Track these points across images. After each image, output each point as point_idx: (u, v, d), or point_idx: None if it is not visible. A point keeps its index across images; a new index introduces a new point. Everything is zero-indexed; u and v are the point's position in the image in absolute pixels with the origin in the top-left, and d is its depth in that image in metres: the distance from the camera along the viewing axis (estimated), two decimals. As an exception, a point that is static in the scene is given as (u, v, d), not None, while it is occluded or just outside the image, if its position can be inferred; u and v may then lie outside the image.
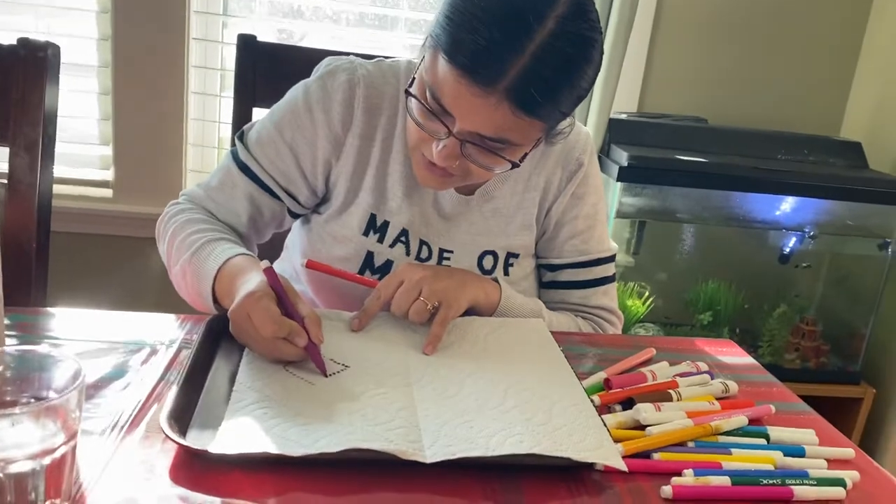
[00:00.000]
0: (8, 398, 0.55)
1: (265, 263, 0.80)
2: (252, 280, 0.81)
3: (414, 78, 0.89)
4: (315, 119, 1.00)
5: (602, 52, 0.86)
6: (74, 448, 0.53)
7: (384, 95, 1.01)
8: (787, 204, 1.95)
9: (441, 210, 1.04)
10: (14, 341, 0.77)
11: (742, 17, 2.09)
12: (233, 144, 1.04)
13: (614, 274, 1.12)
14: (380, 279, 0.95)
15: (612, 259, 1.11)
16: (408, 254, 1.04)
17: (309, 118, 1.00)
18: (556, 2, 0.80)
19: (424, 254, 1.04)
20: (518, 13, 0.79)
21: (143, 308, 0.93)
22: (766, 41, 2.12)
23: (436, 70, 0.84)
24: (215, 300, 0.87)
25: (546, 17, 0.79)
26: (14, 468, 0.50)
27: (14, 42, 1.01)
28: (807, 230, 1.99)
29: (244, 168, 1.01)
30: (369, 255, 1.03)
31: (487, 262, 1.05)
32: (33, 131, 0.97)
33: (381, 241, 1.03)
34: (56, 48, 1.03)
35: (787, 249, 2.04)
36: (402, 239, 1.03)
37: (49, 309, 0.88)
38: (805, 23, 2.11)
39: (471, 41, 0.80)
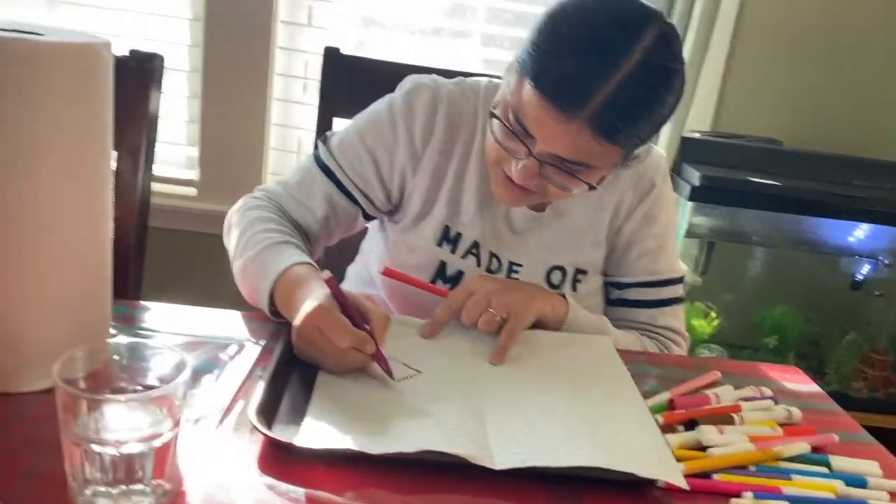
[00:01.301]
0: (122, 384, 0.61)
1: (326, 273, 0.82)
2: (315, 292, 0.82)
3: (498, 100, 0.93)
4: (397, 131, 1.04)
5: (684, 83, 0.88)
6: (177, 434, 0.59)
7: (464, 114, 1.05)
8: (861, 230, 1.92)
9: (512, 225, 1.07)
10: (114, 332, 0.84)
11: (823, 38, 2.05)
12: (315, 148, 1.10)
13: (682, 296, 1.13)
14: (451, 289, 0.98)
15: (680, 280, 1.12)
16: (478, 265, 1.07)
17: (391, 129, 1.05)
18: (643, 35, 0.83)
19: (494, 266, 1.08)
20: (605, 45, 0.82)
21: (222, 303, 0.98)
22: (846, 63, 2.08)
23: (521, 94, 0.87)
24: (271, 302, 0.89)
25: (632, 50, 0.82)
26: (126, 449, 0.55)
27: (126, 53, 1.09)
28: (881, 258, 1.95)
29: (325, 169, 1.06)
30: (441, 265, 1.07)
31: (555, 276, 1.08)
32: (138, 137, 1.05)
33: (453, 251, 1.07)
34: (161, 59, 1.11)
35: (860, 276, 2.00)
36: (474, 251, 1.07)
37: (145, 303, 0.95)
38: (887, 45, 2.07)
39: (557, 69, 0.83)
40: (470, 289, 0.94)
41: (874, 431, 0.87)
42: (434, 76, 1.08)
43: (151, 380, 0.62)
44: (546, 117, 0.85)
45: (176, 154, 2.15)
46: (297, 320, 0.81)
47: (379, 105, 1.07)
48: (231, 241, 1.02)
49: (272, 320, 0.91)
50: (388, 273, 1.00)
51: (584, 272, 1.08)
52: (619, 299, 1.12)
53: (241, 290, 0.98)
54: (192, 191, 2.13)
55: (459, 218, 1.07)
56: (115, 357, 0.61)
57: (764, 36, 2.04)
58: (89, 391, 0.58)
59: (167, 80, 2.09)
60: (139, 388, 0.61)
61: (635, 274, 1.10)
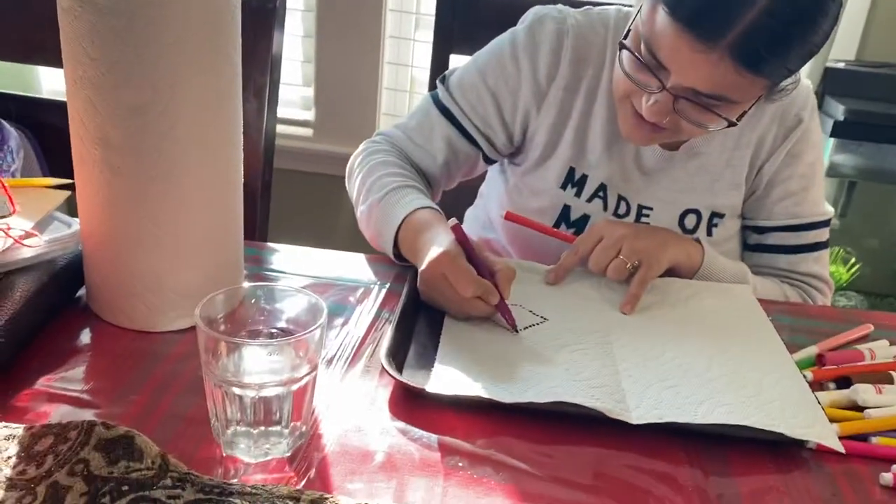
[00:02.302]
0: (258, 327, 0.61)
1: (453, 221, 0.81)
2: (440, 237, 0.81)
3: (629, 30, 0.87)
4: (521, 67, 1.00)
5: (840, 3, 0.79)
6: (315, 378, 0.59)
7: (592, 46, 0.99)
8: None
9: (642, 166, 1.01)
10: (245, 273, 0.85)
11: None
12: (433, 88, 1.06)
13: (827, 240, 1.05)
14: (576, 234, 0.95)
15: (826, 224, 1.04)
16: (605, 209, 1.02)
17: (514, 66, 1.00)
18: None
19: (622, 210, 1.02)
20: None
21: (339, 244, 0.98)
22: None
23: (654, 22, 0.81)
24: (395, 246, 0.89)
25: None
26: (266, 392, 0.56)
27: (246, -7, 1.08)
28: None
29: (444, 111, 1.02)
30: (566, 209, 1.03)
31: (690, 220, 1.02)
32: (262, 77, 1.05)
33: (578, 195, 1.02)
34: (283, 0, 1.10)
35: None
36: (601, 194, 1.02)
37: (272, 244, 0.96)
38: None
39: None
40: (598, 234, 0.90)
41: None
42: (560, 6, 1.02)
43: (286, 322, 0.62)
44: (682, 47, 0.79)
45: (291, 94, 2.18)
46: (422, 265, 0.80)
47: (501, 40, 1.02)
48: (354, 186, 1.01)
49: (396, 263, 0.90)
50: (509, 217, 0.97)
51: (720, 215, 1.02)
52: (758, 244, 1.05)
53: (364, 234, 0.97)
54: (308, 131, 2.16)
55: (585, 159, 1.02)
56: (252, 300, 0.62)
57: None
58: (228, 333, 0.59)
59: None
60: (275, 330, 0.62)
61: (777, 217, 1.03)
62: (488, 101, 1.01)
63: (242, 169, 0.76)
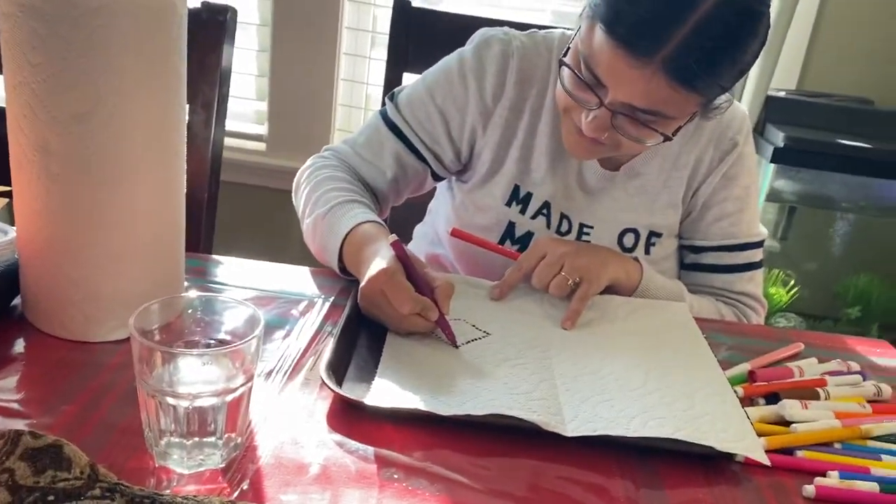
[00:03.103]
0: (195, 337, 0.61)
1: (393, 237, 0.81)
2: (381, 252, 0.82)
3: (569, 48, 0.89)
4: (468, 87, 1.01)
5: (768, 26, 0.83)
6: (250, 390, 0.59)
7: (536, 68, 1.02)
8: (959, 196, 1.80)
9: (584, 185, 1.04)
10: (187, 284, 0.85)
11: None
12: (383, 105, 1.07)
13: (762, 260, 1.08)
14: (520, 250, 0.96)
15: (760, 244, 1.07)
16: (548, 226, 1.04)
17: (462, 85, 1.02)
18: None
19: (564, 227, 1.04)
20: None
21: (289, 259, 0.98)
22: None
23: (592, 40, 0.84)
24: (340, 259, 0.89)
25: None
26: (200, 402, 0.56)
27: (198, 5, 1.08)
28: (977, 226, 1.83)
29: (393, 127, 1.04)
30: (510, 226, 1.04)
31: (628, 239, 1.04)
32: (210, 90, 1.05)
33: (522, 212, 1.04)
34: (234, 11, 1.10)
35: (954, 246, 1.89)
36: (544, 211, 1.04)
37: (217, 256, 0.95)
38: None
39: (631, 12, 0.79)
40: (542, 251, 0.92)
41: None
42: (506, 28, 1.04)
43: (224, 334, 0.62)
44: (619, 63, 0.81)
45: (245, 108, 2.17)
46: (363, 281, 0.80)
47: (449, 60, 1.04)
48: (300, 200, 1.02)
49: (341, 277, 0.90)
50: (456, 234, 0.98)
51: (658, 235, 1.05)
52: (694, 263, 1.08)
53: (310, 248, 0.98)
54: (261, 146, 2.15)
55: (530, 177, 1.04)
56: (189, 310, 0.61)
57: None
58: (164, 343, 0.59)
59: (237, 34, 2.12)
60: (212, 341, 0.62)
61: (712, 237, 1.06)
62: (436, 119, 1.03)
63: (185, 179, 0.76)
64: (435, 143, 1.04)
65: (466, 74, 1.01)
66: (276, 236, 2.13)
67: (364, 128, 1.07)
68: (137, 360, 0.55)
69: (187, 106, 1.07)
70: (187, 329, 0.62)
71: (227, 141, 2.16)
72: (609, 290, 0.94)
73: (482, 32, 1.04)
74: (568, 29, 1.06)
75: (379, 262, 0.80)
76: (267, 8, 2.03)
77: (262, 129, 2.15)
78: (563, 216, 1.04)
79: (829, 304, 1.98)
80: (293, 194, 1.06)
